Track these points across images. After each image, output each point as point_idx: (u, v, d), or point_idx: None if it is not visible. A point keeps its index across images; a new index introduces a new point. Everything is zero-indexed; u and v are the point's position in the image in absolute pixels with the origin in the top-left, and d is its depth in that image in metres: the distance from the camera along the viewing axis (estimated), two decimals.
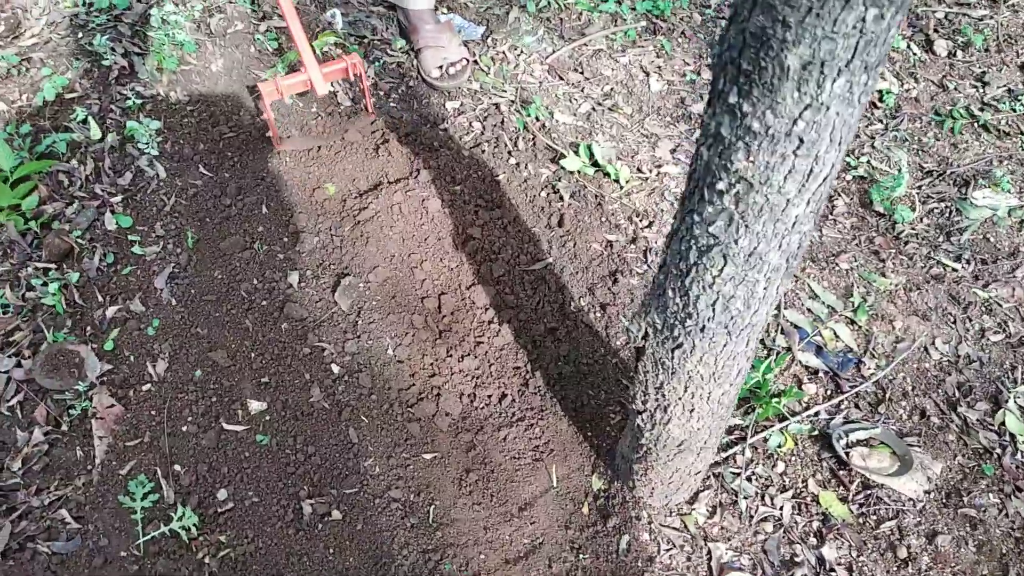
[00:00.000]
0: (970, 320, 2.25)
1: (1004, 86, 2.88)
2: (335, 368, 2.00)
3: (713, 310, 1.21)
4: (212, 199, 2.25)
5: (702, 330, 1.26)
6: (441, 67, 2.59)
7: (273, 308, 2.08)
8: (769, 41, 0.86)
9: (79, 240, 2.10)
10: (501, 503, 1.85)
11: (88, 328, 1.99)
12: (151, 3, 2.58)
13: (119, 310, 2.03)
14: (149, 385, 1.93)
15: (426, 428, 1.94)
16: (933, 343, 2.18)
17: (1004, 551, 1.81)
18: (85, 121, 2.28)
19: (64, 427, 1.86)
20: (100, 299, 2.04)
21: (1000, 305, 2.28)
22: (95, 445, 1.84)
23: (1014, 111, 2.80)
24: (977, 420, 2.03)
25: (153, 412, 1.90)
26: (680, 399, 1.44)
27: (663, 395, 1.45)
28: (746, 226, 1.07)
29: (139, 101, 2.36)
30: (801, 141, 0.94)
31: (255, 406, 1.93)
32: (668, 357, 1.36)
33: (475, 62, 2.75)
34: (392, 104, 2.59)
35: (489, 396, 2.00)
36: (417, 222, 2.24)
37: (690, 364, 1.34)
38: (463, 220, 2.28)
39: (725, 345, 1.29)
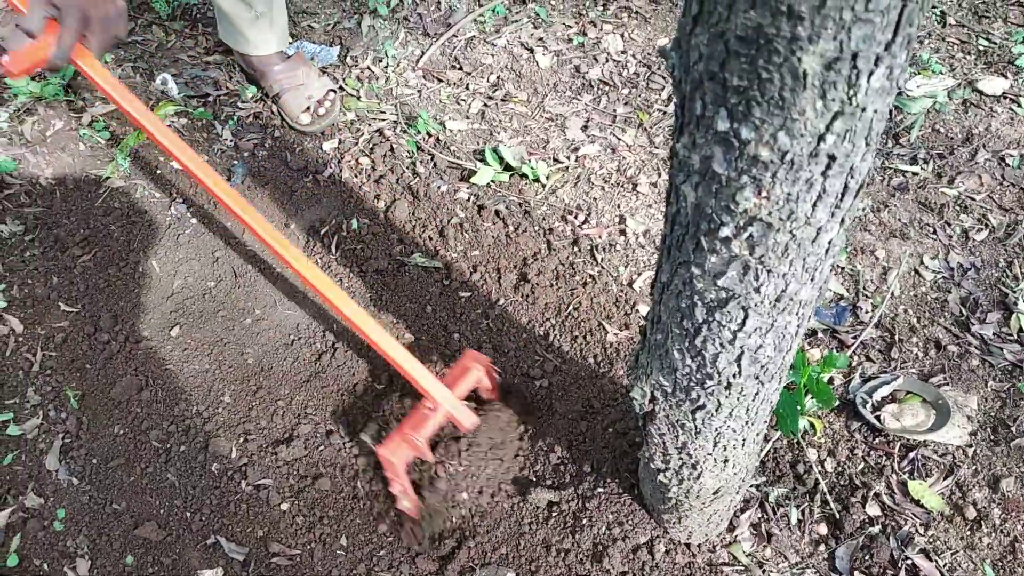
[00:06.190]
0: (949, 225, 2.06)
1: None
2: (284, 506, 1.68)
3: (739, 365, 0.95)
4: (85, 339, 1.88)
5: (727, 387, 1.00)
6: (308, 108, 2.23)
7: (195, 450, 1.74)
8: (771, 43, 0.58)
9: None
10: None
11: None
12: None
13: (12, 512, 1.66)
14: None
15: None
16: (921, 262, 1.99)
17: None
18: None
19: None
20: None
21: (973, 199, 2.10)
22: None
23: None
24: (994, 334, 1.85)
25: None
26: (711, 455, 1.18)
27: (688, 455, 1.20)
28: (768, 271, 0.80)
29: None
30: (832, 159, 0.67)
31: None
32: (688, 419, 1.10)
33: (341, 88, 2.41)
34: (262, 164, 2.23)
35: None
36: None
37: (718, 422, 1.08)
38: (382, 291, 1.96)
39: (757, 393, 1.03)
